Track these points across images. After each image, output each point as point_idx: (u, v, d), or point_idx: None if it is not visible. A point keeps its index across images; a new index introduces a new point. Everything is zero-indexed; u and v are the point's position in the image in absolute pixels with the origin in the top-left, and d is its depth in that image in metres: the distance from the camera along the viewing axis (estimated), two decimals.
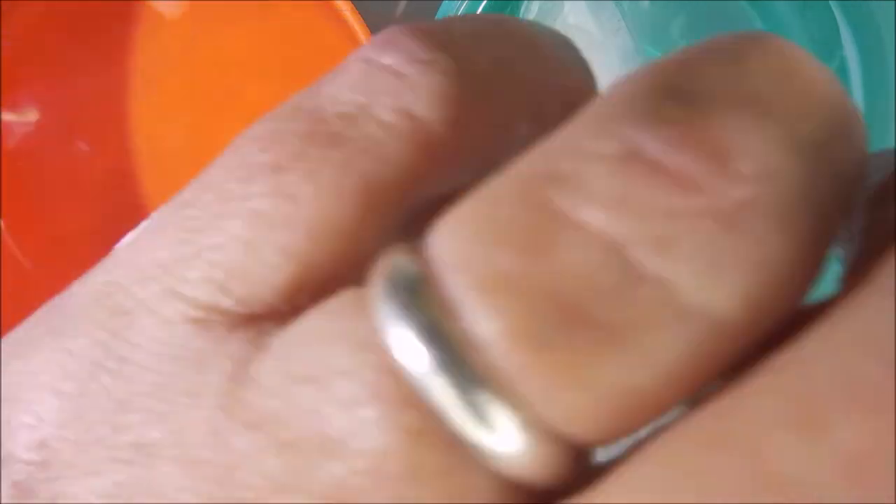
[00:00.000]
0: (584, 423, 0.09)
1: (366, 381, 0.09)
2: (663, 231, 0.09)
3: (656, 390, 0.09)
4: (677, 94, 0.09)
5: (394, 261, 0.10)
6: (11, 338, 0.12)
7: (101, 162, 0.37)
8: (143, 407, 0.10)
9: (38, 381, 0.11)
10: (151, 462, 0.10)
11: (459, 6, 0.30)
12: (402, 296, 0.09)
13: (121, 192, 0.37)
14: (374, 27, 0.31)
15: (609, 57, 0.32)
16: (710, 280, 0.09)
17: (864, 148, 0.10)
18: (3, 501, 0.11)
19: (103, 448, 0.10)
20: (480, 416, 0.09)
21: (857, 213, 0.10)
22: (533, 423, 0.09)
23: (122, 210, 0.37)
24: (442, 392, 0.09)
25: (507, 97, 0.12)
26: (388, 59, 0.12)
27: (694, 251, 0.09)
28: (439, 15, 0.30)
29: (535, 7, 0.32)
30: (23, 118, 0.37)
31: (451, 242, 0.09)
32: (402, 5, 0.36)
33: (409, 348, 0.09)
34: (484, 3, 0.30)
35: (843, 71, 0.31)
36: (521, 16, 0.32)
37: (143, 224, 0.12)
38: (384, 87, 0.12)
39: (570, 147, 0.09)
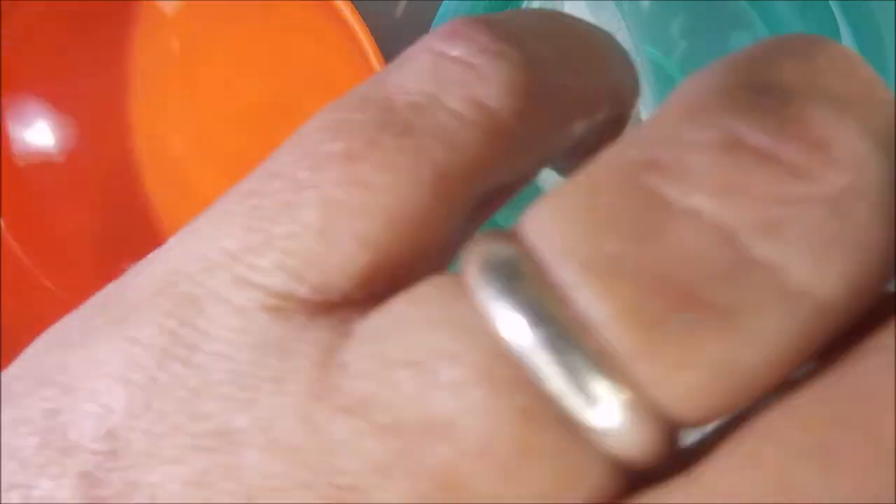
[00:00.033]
0: (695, 402, 0.09)
1: (474, 364, 0.10)
2: (774, 216, 0.09)
3: (763, 370, 0.09)
4: (765, 88, 0.10)
5: (490, 247, 0.10)
6: (60, 330, 0.12)
7: (101, 162, 0.37)
8: (222, 395, 0.10)
9: (102, 371, 0.11)
10: (236, 449, 0.10)
11: (459, 6, 0.30)
12: (506, 280, 0.10)
13: (121, 192, 0.37)
14: (374, 27, 0.31)
15: None
16: (818, 263, 0.09)
17: None
18: (69, 494, 0.10)
19: (183, 436, 0.10)
20: (591, 396, 0.09)
21: None
22: (643, 403, 0.09)
23: (122, 210, 0.37)
24: (553, 373, 0.09)
25: (566, 89, 0.13)
26: (457, 51, 0.12)
27: (803, 236, 0.09)
28: (439, 15, 0.30)
29: (534, 7, 0.32)
30: (23, 118, 0.37)
31: (556, 227, 0.10)
32: (402, 5, 0.36)
33: (519, 331, 0.09)
34: (484, 3, 0.30)
35: None
36: None
37: (202, 215, 0.12)
38: (454, 77, 0.12)
39: (667, 136, 0.10)
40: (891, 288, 0.10)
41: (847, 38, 0.31)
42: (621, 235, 0.09)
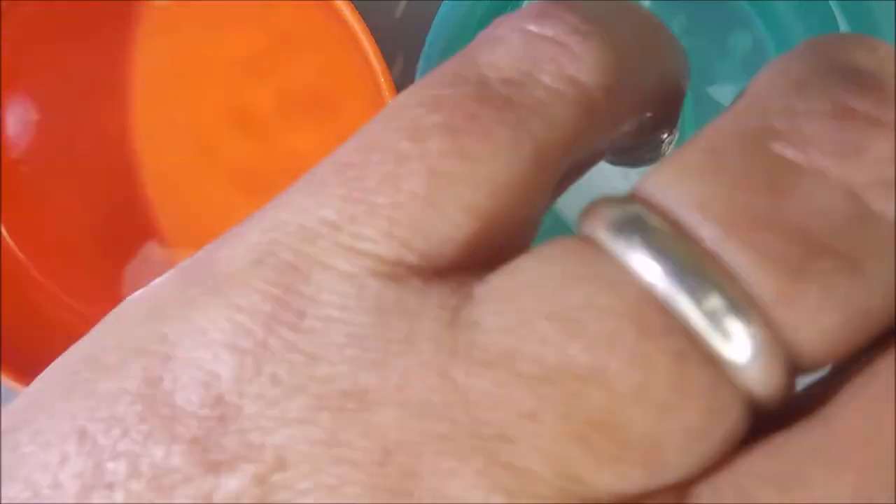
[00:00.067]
0: (826, 342, 0.10)
1: (622, 314, 0.10)
2: (888, 174, 0.11)
3: (884, 311, 0.10)
4: (855, 68, 0.11)
5: (613, 208, 0.11)
6: (143, 304, 0.12)
7: (101, 162, 0.37)
8: (346, 357, 0.11)
9: (206, 339, 0.11)
10: (369, 407, 0.10)
11: (459, 6, 0.30)
12: (641, 234, 0.11)
13: (121, 192, 0.37)
14: (374, 27, 0.31)
15: None
16: None
17: None
18: (182, 460, 0.10)
19: (306, 398, 0.10)
20: (735, 338, 0.10)
21: None
22: (779, 344, 0.10)
23: (122, 210, 0.37)
24: (700, 317, 0.10)
25: (643, 71, 0.13)
26: (549, 30, 0.12)
27: None
28: (439, 15, 0.30)
29: None
30: (23, 118, 0.37)
31: (688, 185, 0.11)
32: (402, 5, 0.36)
33: (663, 279, 0.10)
34: (484, 3, 0.30)
35: None
36: None
37: (291, 190, 0.12)
38: (548, 55, 0.12)
39: (779, 108, 0.11)
40: None
41: None
42: (755, 191, 0.11)
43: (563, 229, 0.32)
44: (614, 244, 0.11)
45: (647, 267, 0.10)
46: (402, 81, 0.34)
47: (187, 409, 0.11)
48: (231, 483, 0.10)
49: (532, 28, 0.13)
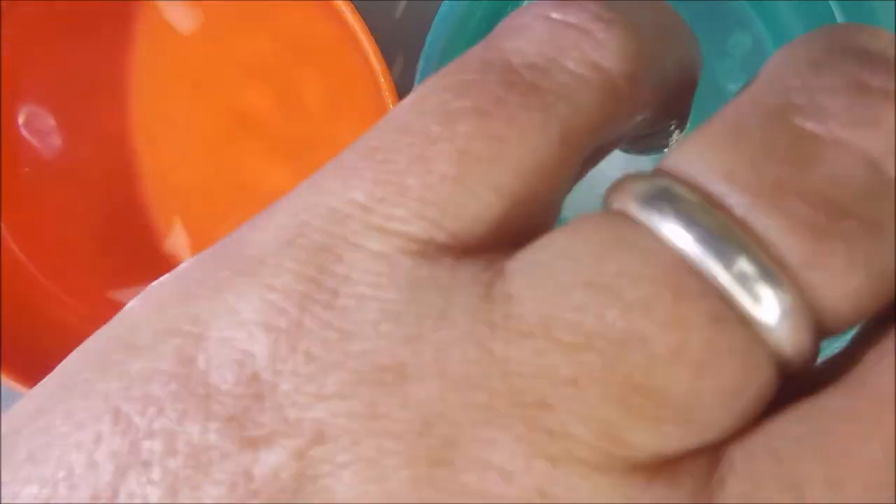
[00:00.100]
0: (850, 304, 0.11)
1: (658, 280, 0.11)
2: None
3: None
4: (865, 50, 0.12)
5: (641, 182, 0.11)
6: (173, 287, 0.12)
7: (101, 162, 0.37)
8: (378, 333, 0.11)
9: (239, 319, 0.11)
10: (407, 380, 0.10)
11: (459, 6, 0.30)
12: (671, 204, 0.11)
13: (121, 192, 0.37)
14: (374, 27, 0.31)
15: None
16: None
17: None
18: (218, 438, 0.11)
19: (343, 373, 0.11)
20: (766, 300, 0.11)
21: None
22: (808, 306, 0.11)
23: (122, 210, 0.37)
24: (732, 281, 0.11)
25: (662, 58, 0.14)
26: (571, 17, 0.13)
27: None
28: (439, 15, 0.30)
29: None
30: (23, 118, 0.37)
31: (714, 156, 0.11)
32: (402, 5, 0.36)
33: (695, 246, 0.11)
34: (484, 3, 0.30)
35: None
36: None
37: (319, 173, 0.12)
38: (571, 42, 0.12)
39: (797, 85, 0.12)
40: None
41: None
42: (779, 161, 0.11)
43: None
44: (646, 215, 0.11)
45: (678, 235, 0.11)
46: (402, 81, 0.34)
47: (222, 387, 0.11)
48: (270, 458, 0.10)
49: (555, 15, 0.13)
